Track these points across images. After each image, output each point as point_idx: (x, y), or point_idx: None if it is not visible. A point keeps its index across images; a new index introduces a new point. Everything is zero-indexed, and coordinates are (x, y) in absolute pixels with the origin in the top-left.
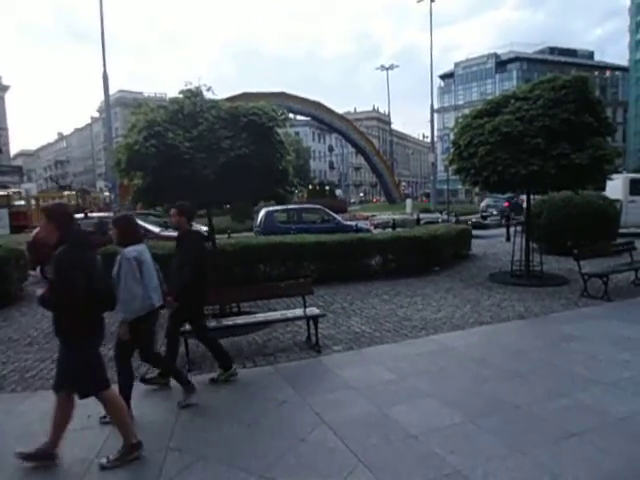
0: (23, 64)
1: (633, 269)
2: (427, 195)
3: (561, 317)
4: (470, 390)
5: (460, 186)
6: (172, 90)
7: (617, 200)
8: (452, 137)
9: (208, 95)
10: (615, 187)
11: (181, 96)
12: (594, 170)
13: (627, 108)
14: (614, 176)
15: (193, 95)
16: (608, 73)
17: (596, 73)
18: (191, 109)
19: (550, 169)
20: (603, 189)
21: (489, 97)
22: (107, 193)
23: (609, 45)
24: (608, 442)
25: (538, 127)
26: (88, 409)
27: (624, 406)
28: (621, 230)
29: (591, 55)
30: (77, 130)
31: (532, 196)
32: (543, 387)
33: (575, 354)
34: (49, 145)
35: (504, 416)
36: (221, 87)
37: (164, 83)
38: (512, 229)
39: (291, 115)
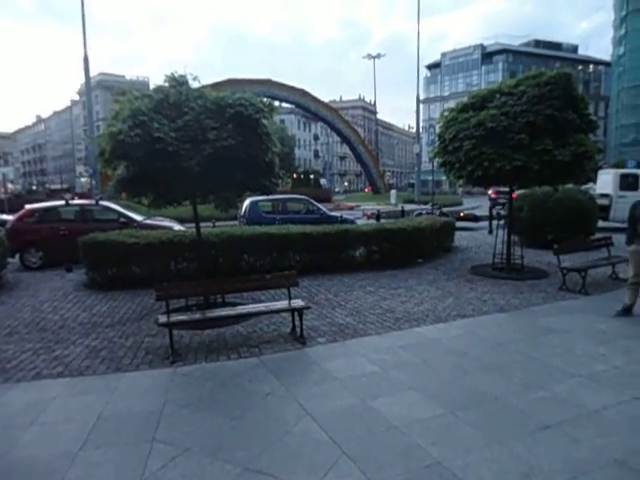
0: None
1: (610, 264)
2: (411, 186)
3: (540, 310)
4: (451, 382)
5: (444, 177)
6: (155, 73)
7: (607, 195)
8: (437, 130)
9: (194, 84)
10: (605, 182)
11: (166, 84)
12: (575, 166)
13: (609, 103)
14: (604, 171)
15: (178, 84)
16: (591, 67)
17: (580, 67)
18: (176, 98)
19: (534, 165)
20: (584, 184)
21: (475, 88)
22: (84, 179)
23: (594, 39)
24: (581, 433)
25: (522, 123)
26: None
27: (598, 398)
28: (608, 225)
29: (575, 49)
30: (56, 113)
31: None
32: (521, 379)
33: (552, 347)
34: (27, 128)
35: (483, 408)
36: (206, 72)
37: (147, 65)
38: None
39: (276, 103)
